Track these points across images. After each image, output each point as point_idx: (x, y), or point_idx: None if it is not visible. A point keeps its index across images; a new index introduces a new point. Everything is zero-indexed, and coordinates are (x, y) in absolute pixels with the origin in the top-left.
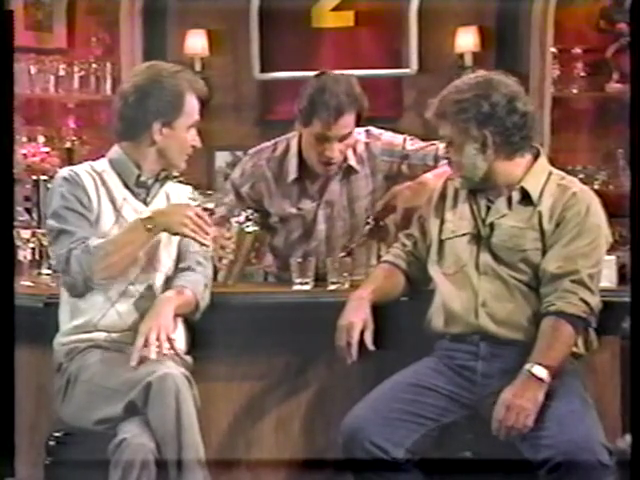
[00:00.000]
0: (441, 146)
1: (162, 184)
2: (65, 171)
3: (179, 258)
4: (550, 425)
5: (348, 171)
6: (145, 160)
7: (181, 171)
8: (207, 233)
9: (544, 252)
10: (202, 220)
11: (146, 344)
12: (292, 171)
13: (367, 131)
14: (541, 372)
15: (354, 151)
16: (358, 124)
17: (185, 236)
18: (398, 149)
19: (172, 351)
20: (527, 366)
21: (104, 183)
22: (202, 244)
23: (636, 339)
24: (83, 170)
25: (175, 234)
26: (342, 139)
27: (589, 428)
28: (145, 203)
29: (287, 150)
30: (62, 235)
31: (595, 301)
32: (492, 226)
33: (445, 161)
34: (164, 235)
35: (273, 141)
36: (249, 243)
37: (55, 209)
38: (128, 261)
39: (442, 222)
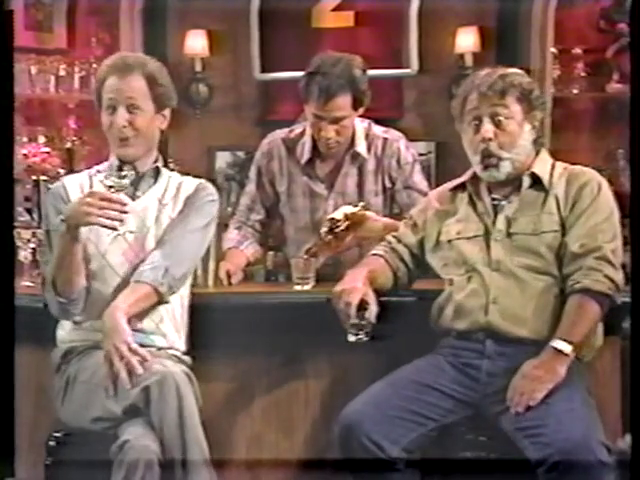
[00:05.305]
0: None
1: (155, 177)
2: (56, 184)
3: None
4: (548, 423)
5: (357, 158)
6: (120, 153)
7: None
8: (123, 212)
9: (563, 234)
10: (111, 202)
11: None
12: (306, 151)
13: (386, 131)
14: (565, 347)
15: (367, 137)
16: (358, 106)
17: (95, 225)
18: (405, 166)
19: (139, 358)
20: (551, 342)
21: (91, 187)
22: (113, 229)
23: (636, 339)
24: (75, 178)
25: (88, 225)
26: (336, 121)
27: (587, 426)
28: (133, 198)
29: (303, 133)
30: (44, 261)
31: (619, 277)
32: (508, 221)
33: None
34: (151, 229)
35: (290, 127)
36: None
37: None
38: (74, 272)
39: (443, 226)
